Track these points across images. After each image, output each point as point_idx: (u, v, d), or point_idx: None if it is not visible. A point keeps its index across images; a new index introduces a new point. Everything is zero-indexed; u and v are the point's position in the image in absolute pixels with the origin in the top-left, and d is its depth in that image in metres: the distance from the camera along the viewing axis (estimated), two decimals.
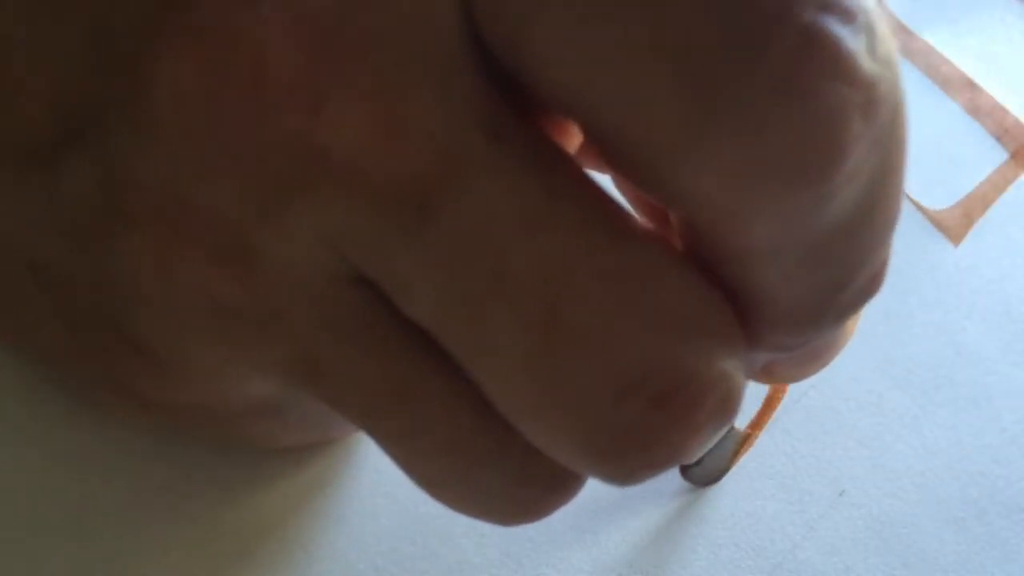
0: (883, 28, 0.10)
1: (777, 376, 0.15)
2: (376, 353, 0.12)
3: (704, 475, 0.21)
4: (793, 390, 0.23)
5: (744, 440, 0.21)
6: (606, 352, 0.11)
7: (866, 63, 0.10)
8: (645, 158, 0.10)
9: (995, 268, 0.26)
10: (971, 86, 0.30)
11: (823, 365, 0.15)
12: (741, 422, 0.22)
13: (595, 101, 0.10)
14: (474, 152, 0.10)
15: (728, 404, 0.12)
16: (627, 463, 0.12)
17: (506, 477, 0.13)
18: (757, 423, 0.21)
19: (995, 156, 0.29)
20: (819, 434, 0.23)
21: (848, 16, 0.10)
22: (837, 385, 0.24)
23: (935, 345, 0.25)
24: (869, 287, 0.12)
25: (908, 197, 0.27)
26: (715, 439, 0.12)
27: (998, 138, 0.29)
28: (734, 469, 0.21)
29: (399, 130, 0.10)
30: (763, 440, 0.22)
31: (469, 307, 0.11)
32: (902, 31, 0.31)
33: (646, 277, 0.11)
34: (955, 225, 0.27)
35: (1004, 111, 0.30)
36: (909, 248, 0.26)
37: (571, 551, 0.19)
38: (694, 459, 0.13)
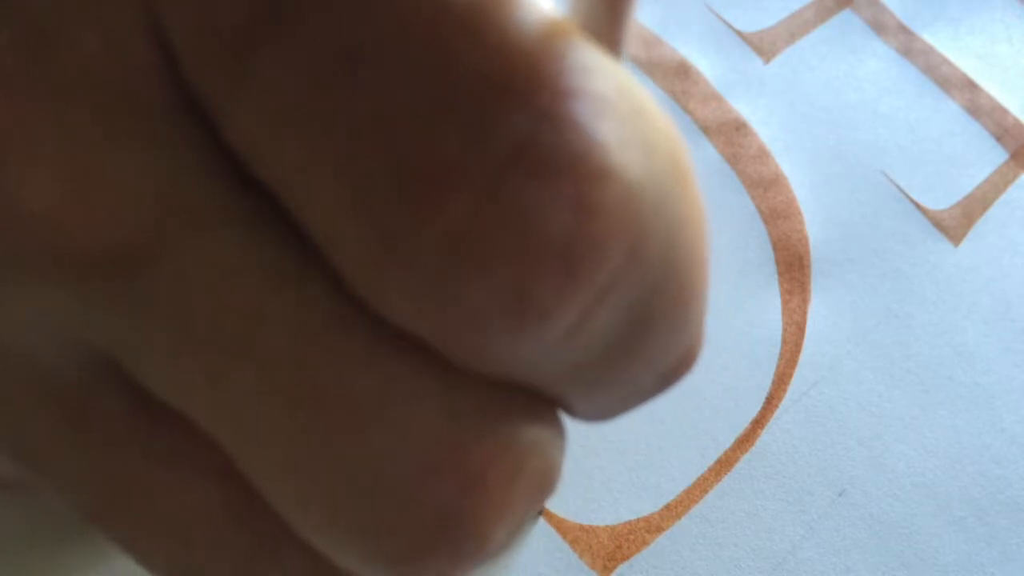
0: (618, 172, 0.08)
1: None
2: (102, 442, 0.10)
3: None
4: (793, 390, 0.23)
5: None
6: (392, 436, 0.09)
7: (560, 224, 0.08)
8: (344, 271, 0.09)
9: (995, 268, 0.26)
10: (971, 86, 0.30)
11: None
12: (741, 422, 0.22)
13: (288, 194, 0.09)
14: (206, 201, 0.09)
15: (546, 478, 0.10)
16: (433, 562, 0.10)
17: None
18: (758, 422, 0.21)
19: (995, 156, 0.29)
20: (819, 434, 0.23)
21: (542, 169, 0.08)
22: (837, 385, 0.24)
23: (935, 345, 0.25)
24: (677, 369, 0.11)
25: (908, 197, 0.27)
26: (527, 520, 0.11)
27: (998, 138, 0.29)
28: (737, 466, 0.21)
29: (94, 186, 0.09)
30: (763, 440, 0.22)
31: (210, 379, 0.09)
32: (902, 31, 0.31)
33: (431, 357, 0.09)
34: (955, 225, 0.27)
35: (1004, 111, 0.30)
36: (909, 248, 0.26)
37: None
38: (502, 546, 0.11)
